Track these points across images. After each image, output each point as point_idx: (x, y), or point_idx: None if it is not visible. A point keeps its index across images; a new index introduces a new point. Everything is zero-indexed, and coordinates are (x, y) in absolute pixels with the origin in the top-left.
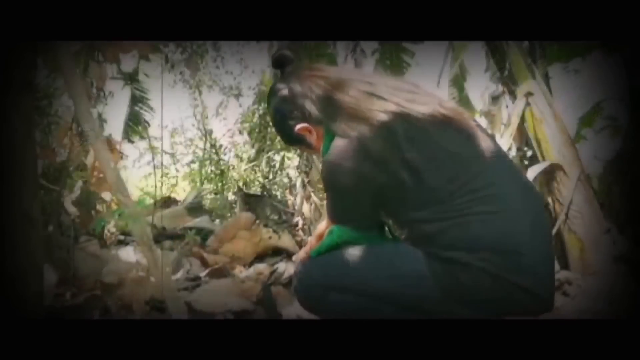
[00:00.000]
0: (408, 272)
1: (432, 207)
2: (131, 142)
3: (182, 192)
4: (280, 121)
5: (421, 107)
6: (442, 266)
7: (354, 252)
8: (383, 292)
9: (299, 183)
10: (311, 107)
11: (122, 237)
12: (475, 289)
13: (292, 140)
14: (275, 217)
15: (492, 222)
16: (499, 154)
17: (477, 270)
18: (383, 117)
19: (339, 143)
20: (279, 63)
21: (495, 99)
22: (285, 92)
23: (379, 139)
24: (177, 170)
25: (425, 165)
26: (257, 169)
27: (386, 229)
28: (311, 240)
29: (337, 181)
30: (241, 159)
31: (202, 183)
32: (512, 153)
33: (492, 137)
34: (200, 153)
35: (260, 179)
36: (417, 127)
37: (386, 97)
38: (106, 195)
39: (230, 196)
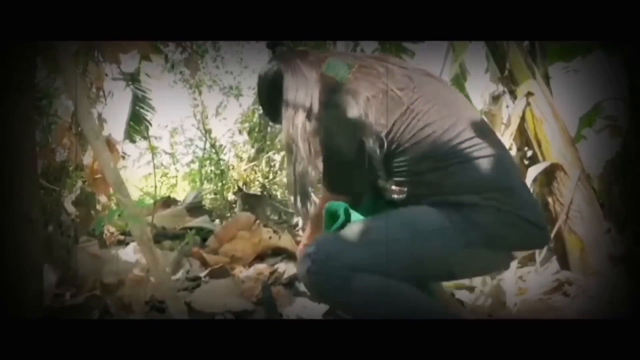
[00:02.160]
0: (432, 231)
1: (433, 157)
2: (133, 142)
3: (182, 192)
4: (269, 96)
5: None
6: (461, 213)
7: (375, 225)
8: (410, 261)
9: None
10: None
11: (122, 237)
12: (488, 226)
13: (280, 116)
14: (275, 217)
15: (489, 164)
16: (476, 112)
17: (487, 208)
18: (378, 89)
19: (341, 109)
20: (273, 43)
21: (495, 98)
22: (277, 68)
23: (378, 106)
24: (177, 170)
25: (424, 119)
26: (257, 169)
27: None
28: (307, 232)
29: (338, 146)
30: (241, 159)
31: (202, 183)
32: (513, 153)
33: (467, 101)
34: (200, 153)
35: (260, 179)
36: (412, 94)
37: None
38: (102, 197)
39: (230, 196)
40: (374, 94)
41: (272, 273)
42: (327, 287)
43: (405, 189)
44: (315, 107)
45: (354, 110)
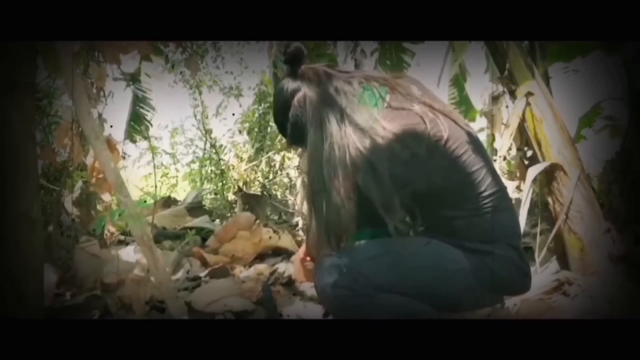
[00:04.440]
0: (452, 270)
1: (460, 207)
2: (133, 142)
3: (182, 192)
4: (294, 123)
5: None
6: (478, 258)
7: (401, 251)
8: (428, 291)
9: (299, 183)
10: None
11: (122, 237)
12: (500, 273)
13: (301, 139)
14: (275, 217)
15: (506, 217)
16: (487, 159)
17: (501, 257)
18: (417, 123)
19: (376, 143)
20: (295, 58)
21: (495, 99)
22: (301, 94)
23: (417, 142)
24: (177, 170)
25: (458, 173)
26: (257, 169)
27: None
28: (307, 245)
29: (375, 181)
30: (241, 159)
31: (202, 183)
32: (512, 153)
33: (479, 144)
34: (200, 153)
35: (260, 179)
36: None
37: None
38: (106, 196)
39: (230, 196)
40: (407, 141)
41: (272, 273)
42: (349, 303)
43: (429, 226)
44: (353, 143)
45: (384, 152)
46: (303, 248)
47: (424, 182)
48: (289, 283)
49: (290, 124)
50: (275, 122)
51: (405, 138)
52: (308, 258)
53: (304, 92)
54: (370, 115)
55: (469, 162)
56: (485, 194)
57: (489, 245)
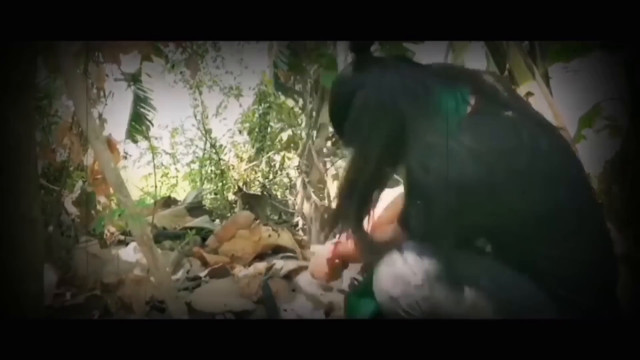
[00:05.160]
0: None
1: (561, 246)
2: (135, 142)
3: (182, 192)
4: (352, 123)
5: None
6: (558, 305)
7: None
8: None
9: (299, 183)
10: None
11: (122, 237)
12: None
13: (357, 141)
14: (275, 217)
15: (591, 265)
16: (589, 187)
17: (580, 312)
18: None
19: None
20: (362, 45)
21: None
22: (363, 92)
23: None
24: (177, 170)
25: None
26: (257, 169)
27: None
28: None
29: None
30: (241, 159)
31: (202, 183)
32: None
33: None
34: (200, 153)
35: (260, 179)
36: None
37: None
38: (102, 197)
39: (230, 196)
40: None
41: (268, 269)
42: (396, 313)
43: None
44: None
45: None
46: (331, 247)
47: (509, 212)
48: (287, 277)
49: (347, 124)
50: (331, 119)
51: (491, 157)
52: (337, 260)
53: (366, 90)
54: (445, 126)
55: (572, 188)
56: (587, 229)
57: (581, 295)
